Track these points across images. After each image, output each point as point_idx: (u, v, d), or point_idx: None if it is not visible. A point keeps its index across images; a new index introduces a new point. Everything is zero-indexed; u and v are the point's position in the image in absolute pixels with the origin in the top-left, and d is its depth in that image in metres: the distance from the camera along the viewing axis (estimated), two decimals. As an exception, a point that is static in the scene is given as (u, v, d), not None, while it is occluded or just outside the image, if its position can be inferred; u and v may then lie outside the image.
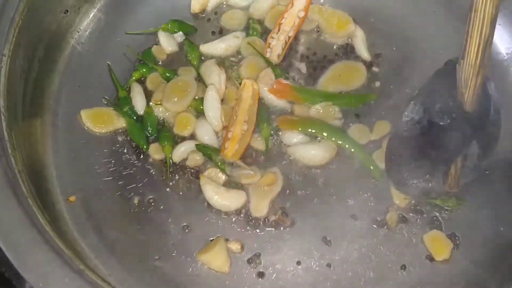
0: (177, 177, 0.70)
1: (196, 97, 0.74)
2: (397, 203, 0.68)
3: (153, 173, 0.70)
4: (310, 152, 0.71)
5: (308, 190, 0.69)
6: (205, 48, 0.78)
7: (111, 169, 0.70)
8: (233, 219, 0.68)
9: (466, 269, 0.65)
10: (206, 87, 0.74)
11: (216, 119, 0.72)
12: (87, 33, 0.76)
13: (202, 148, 0.70)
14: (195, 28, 0.80)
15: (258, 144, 0.72)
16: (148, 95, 0.74)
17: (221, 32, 0.80)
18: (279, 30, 0.78)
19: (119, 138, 0.72)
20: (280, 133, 0.73)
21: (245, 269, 0.65)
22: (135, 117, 0.73)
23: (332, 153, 0.71)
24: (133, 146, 0.72)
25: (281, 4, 0.81)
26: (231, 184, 0.69)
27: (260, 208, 0.67)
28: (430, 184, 0.64)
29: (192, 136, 0.72)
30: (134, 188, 0.69)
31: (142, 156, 0.71)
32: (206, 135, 0.72)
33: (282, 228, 0.67)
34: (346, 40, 0.80)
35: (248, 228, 0.67)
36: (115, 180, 0.69)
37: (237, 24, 0.81)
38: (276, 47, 0.77)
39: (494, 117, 0.60)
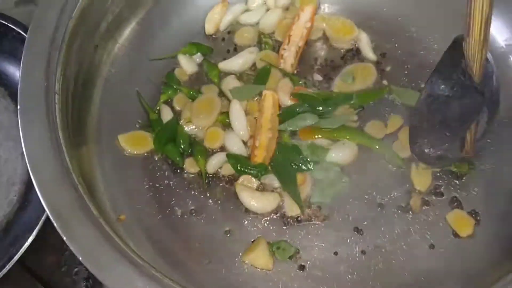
0: (213, 186, 0.76)
1: (221, 112, 0.80)
2: (418, 188, 0.74)
3: (191, 185, 0.76)
4: (333, 154, 0.76)
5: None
6: (223, 65, 0.84)
7: (152, 186, 0.75)
8: (270, 220, 0.73)
9: (489, 243, 0.70)
10: (229, 101, 0.80)
11: (243, 129, 0.78)
12: (115, 64, 0.82)
13: (233, 156, 0.76)
14: (211, 49, 0.86)
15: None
16: (176, 114, 0.80)
17: (236, 50, 0.86)
18: (289, 42, 0.84)
19: (155, 157, 0.78)
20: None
21: (287, 264, 0.70)
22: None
23: (354, 152, 0.76)
24: (169, 163, 0.77)
25: (288, 17, 0.87)
26: (264, 187, 0.75)
27: (294, 207, 0.73)
28: (449, 153, 0.70)
29: (223, 148, 0.78)
30: (176, 201, 0.74)
31: (178, 171, 0.77)
32: (235, 146, 0.77)
33: (316, 223, 0.72)
34: (352, 44, 0.86)
35: (284, 227, 0.73)
36: (157, 195, 0.75)
37: (250, 40, 0.87)
38: (288, 57, 0.83)
39: (496, 84, 0.66)
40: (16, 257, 0.71)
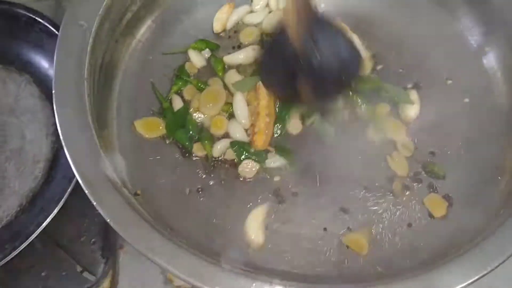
0: (218, 168, 0.85)
1: (226, 102, 0.89)
2: (399, 174, 0.84)
3: (198, 167, 0.85)
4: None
5: (324, 170, 0.85)
6: (228, 59, 0.93)
7: (164, 167, 0.85)
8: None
9: (461, 223, 0.80)
10: (232, 93, 0.89)
11: (245, 118, 0.87)
12: (132, 58, 0.91)
13: (236, 143, 0.86)
14: (218, 45, 0.95)
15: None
16: (186, 103, 0.90)
17: (240, 47, 0.95)
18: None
19: (167, 141, 0.87)
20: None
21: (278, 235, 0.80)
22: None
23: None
24: (179, 147, 0.87)
25: (289, 19, 0.97)
26: (266, 172, 0.85)
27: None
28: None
29: (226, 135, 0.87)
30: (184, 181, 0.84)
31: (187, 155, 0.86)
32: (238, 133, 0.87)
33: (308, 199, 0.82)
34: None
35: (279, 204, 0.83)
36: (168, 175, 0.84)
37: (253, 39, 0.95)
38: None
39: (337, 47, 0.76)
40: (42, 226, 0.79)
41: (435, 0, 0.97)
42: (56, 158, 0.88)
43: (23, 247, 0.78)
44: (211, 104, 0.88)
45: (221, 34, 0.97)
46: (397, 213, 0.81)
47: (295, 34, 0.73)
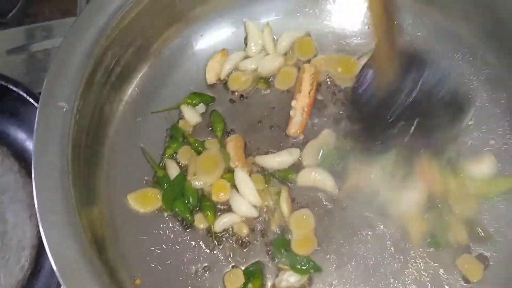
0: (224, 242, 0.76)
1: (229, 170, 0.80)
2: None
3: (202, 241, 0.76)
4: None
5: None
6: (260, 160, 0.81)
7: (164, 244, 0.76)
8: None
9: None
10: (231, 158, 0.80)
11: (253, 195, 0.77)
12: (120, 122, 0.82)
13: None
14: (214, 98, 0.86)
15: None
16: (183, 168, 0.80)
17: (242, 97, 0.86)
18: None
19: (165, 214, 0.78)
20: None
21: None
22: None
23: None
24: (179, 219, 0.78)
25: (289, 64, 0.87)
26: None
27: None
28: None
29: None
30: (188, 259, 0.75)
31: (189, 228, 0.77)
32: (243, 207, 0.77)
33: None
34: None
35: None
36: (170, 254, 0.75)
37: (245, 84, 0.86)
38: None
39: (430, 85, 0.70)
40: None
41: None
42: (43, 243, 0.78)
43: None
44: (208, 172, 0.79)
45: (216, 84, 0.88)
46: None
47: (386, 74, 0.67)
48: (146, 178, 0.80)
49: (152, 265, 0.74)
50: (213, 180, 0.79)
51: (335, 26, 0.90)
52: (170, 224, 0.77)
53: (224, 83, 0.87)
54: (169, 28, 0.86)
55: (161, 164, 0.81)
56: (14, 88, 0.82)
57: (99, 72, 0.73)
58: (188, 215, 0.77)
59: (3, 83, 0.82)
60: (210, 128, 0.84)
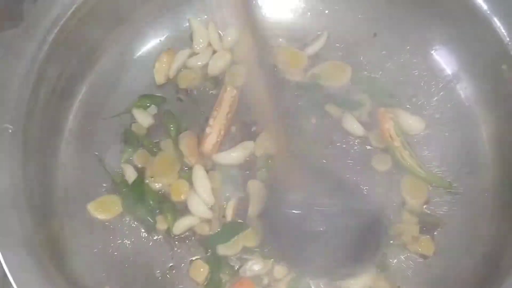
0: (185, 241, 0.78)
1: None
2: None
3: (165, 242, 0.78)
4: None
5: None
6: (219, 158, 0.81)
7: (129, 248, 0.78)
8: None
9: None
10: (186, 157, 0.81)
11: (208, 195, 0.79)
12: (72, 132, 0.82)
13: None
14: (164, 98, 0.86)
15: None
16: (140, 171, 0.81)
17: (189, 95, 0.86)
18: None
19: (127, 218, 0.80)
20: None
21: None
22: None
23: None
24: (142, 223, 0.79)
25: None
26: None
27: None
28: None
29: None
30: (154, 260, 0.77)
31: (152, 230, 0.79)
32: (200, 208, 0.78)
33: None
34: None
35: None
36: (135, 257, 0.77)
37: (194, 82, 0.86)
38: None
39: None
40: None
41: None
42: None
43: None
44: (165, 173, 0.80)
45: (166, 84, 0.88)
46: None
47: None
48: (104, 185, 0.81)
49: (119, 270, 0.76)
50: (171, 180, 0.80)
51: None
52: (133, 229, 0.79)
53: (174, 82, 0.88)
54: (111, 32, 0.85)
55: (118, 170, 0.82)
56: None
57: (42, 88, 0.73)
58: (149, 217, 0.79)
59: None
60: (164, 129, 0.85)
